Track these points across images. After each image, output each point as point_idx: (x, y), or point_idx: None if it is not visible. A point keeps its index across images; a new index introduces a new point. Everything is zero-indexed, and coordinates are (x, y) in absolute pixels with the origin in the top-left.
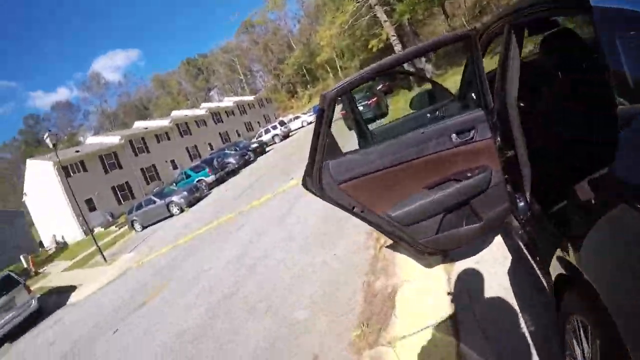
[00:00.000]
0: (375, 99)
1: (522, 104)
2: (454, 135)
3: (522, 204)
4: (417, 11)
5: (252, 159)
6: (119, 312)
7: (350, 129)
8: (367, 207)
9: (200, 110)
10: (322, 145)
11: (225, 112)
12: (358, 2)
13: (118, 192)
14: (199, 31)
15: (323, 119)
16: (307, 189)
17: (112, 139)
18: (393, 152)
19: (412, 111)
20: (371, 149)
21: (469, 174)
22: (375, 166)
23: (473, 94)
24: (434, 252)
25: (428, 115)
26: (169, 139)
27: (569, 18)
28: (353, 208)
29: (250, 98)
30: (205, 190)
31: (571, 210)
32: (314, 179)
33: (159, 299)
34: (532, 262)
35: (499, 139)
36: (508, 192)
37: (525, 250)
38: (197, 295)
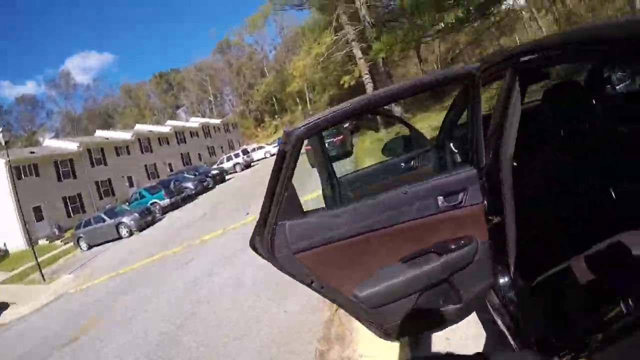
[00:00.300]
0: (341, 137)
1: (515, 164)
2: (440, 198)
3: (504, 279)
4: (393, 51)
5: (210, 185)
6: (46, 345)
7: (313, 166)
8: (329, 283)
9: (165, 128)
10: (279, 199)
11: (190, 132)
12: (336, 35)
13: (69, 204)
14: (177, 44)
15: (284, 164)
16: (255, 251)
17: (70, 145)
18: (367, 216)
19: (385, 158)
20: (340, 210)
21: (452, 246)
22: (343, 232)
23: (452, 144)
24: (403, 335)
25: (402, 164)
26: (129, 153)
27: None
28: (311, 282)
29: (217, 121)
30: (158, 215)
31: (570, 293)
32: (265, 242)
33: (89, 337)
34: (513, 344)
35: (485, 202)
36: (492, 265)
37: (505, 331)
38: (128, 342)
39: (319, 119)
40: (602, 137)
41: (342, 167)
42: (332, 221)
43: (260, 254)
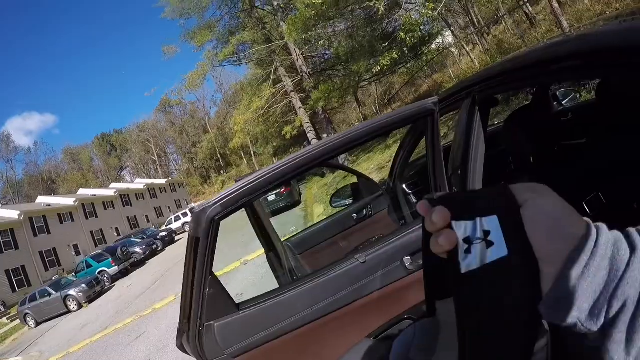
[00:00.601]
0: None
1: None
2: (407, 258)
3: None
4: (331, 99)
5: (160, 248)
6: None
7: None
8: None
9: (109, 191)
10: (200, 296)
11: (135, 194)
12: (275, 87)
13: (13, 277)
14: (120, 105)
15: (198, 253)
16: (184, 352)
17: (10, 213)
18: (322, 297)
19: (335, 210)
20: (287, 296)
21: None
22: (294, 322)
23: (405, 186)
24: None
25: (354, 215)
26: (72, 219)
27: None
28: None
29: (162, 181)
30: (107, 284)
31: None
32: (192, 345)
33: None
34: None
35: None
36: None
37: None
38: None
39: (237, 191)
40: (552, 154)
41: (293, 217)
42: (279, 311)
43: (190, 355)
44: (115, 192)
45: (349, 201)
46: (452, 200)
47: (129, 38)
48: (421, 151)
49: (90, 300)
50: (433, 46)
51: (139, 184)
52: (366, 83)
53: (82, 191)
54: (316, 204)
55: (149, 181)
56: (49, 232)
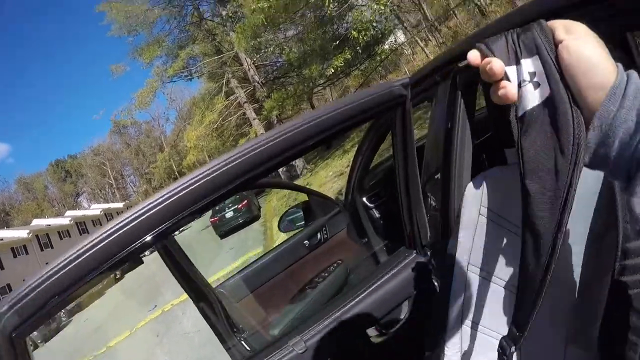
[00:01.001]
0: (245, 202)
1: None
2: (371, 330)
3: None
4: (285, 107)
5: (118, 277)
6: None
7: (222, 236)
8: None
9: (64, 219)
10: None
11: (92, 221)
12: (228, 100)
13: None
14: (75, 129)
15: None
16: None
17: None
18: None
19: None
20: None
21: None
22: None
23: (365, 199)
24: None
25: (306, 242)
26: (27, 252)
27: None
28: None
29: (120, 205)
30: (64, 319)
31: None
32: None
33: None
34: None
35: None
36: None
37: None
38: None
39: (44, 282)
40: None
41: (252, 232)
42: None
43: None
44: (70, 221)
45: (300, 222)
46: (498, 46)
47: (78, 58)
48: (382, 153)
49: (47, 339)
50: (386, 46)
51: (96, 209)
52: (320, 88)
53: (36, 221)
54: (275, 217)
55: (106, 206)
56: (2, 268)
